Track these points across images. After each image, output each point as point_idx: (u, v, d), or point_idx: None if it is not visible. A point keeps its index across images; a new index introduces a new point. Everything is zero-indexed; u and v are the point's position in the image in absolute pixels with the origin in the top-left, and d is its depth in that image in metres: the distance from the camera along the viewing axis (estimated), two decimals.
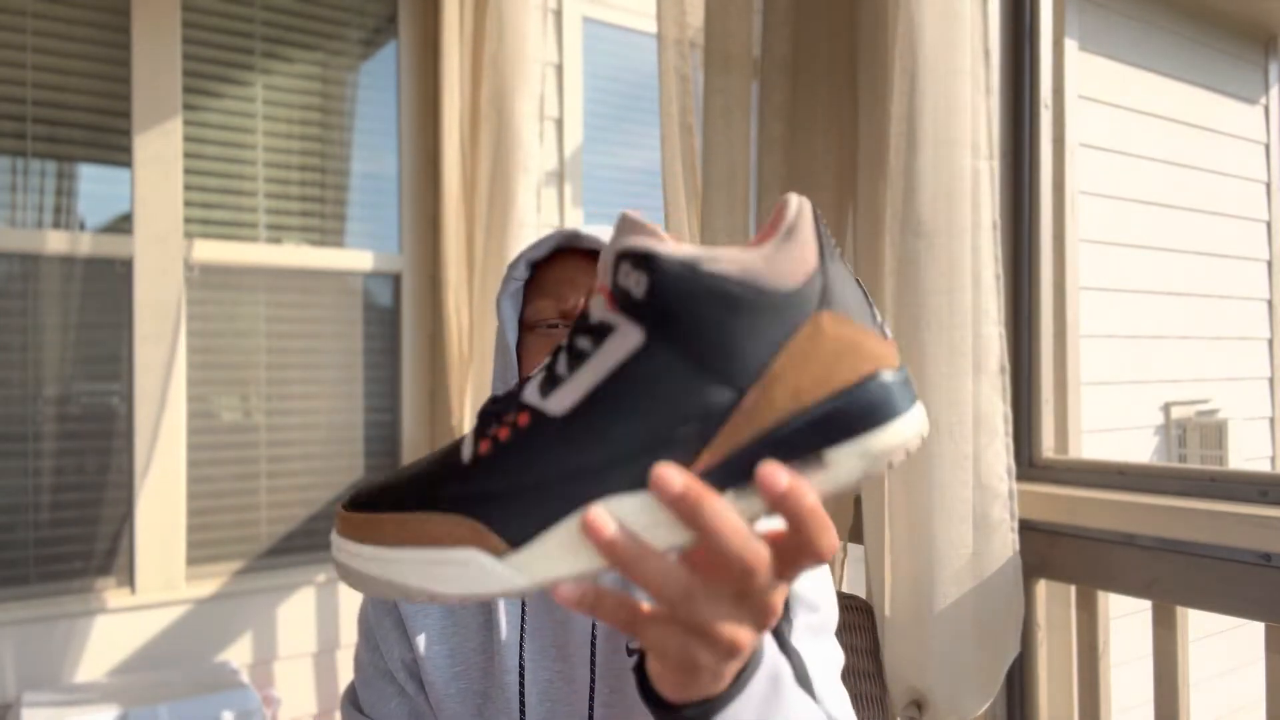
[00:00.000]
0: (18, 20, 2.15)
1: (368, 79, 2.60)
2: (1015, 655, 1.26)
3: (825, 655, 0.77)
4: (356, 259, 2.54)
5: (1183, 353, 3.74)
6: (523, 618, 0.80)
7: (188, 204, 2.33)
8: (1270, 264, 4.10)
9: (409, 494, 0.44)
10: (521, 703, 0.78)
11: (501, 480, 0.42)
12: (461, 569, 0.42)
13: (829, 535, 0.41)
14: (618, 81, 2.98)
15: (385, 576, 0.43)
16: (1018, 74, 1.50)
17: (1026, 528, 1.34)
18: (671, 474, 0.40)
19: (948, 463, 1.24)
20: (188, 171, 2.33)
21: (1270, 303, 4.10)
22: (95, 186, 2.25)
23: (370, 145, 2.60)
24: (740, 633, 0.44)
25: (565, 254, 0.81)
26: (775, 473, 0.40)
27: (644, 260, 0.42)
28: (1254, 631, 1.18)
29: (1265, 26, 4.03)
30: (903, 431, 0.42)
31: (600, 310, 0.44)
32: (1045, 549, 1.34)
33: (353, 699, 0.85)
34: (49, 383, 2.18)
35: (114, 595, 2.21)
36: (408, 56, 2.63)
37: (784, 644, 0.75)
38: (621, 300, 0.43)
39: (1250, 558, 1.11)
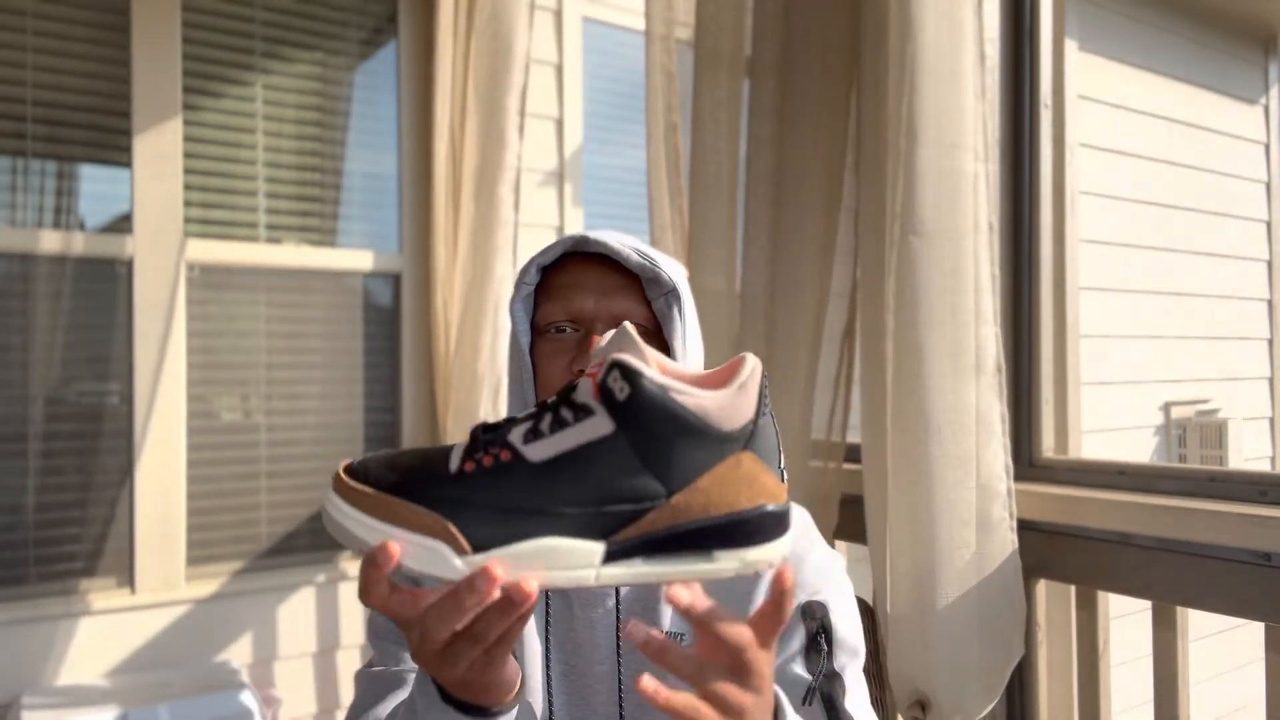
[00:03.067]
0: (18, 20, 2.15)
1: (367, 79, 2.60)
2: (1020, 656, 1.26)
3: (865, 698, 0.83)
4: (356, 259, 2.54)
5: (1183, 353, 3.74)
6: (547, 609, 0.82)
7: (187, 204, 2.33)
8: (1270, 264, 4.10)
9: (401, 482, 0.56)
10: (548, 685, 0.80)
11: (478, 496, 0.56)
12: (431, 553, 0.55)
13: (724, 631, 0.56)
14: (618, 81, 2.98)
15: (367, 539, 0.56)
16: (1018, 74, 1.50)
17: (1026, 528, 1.34)
18: (681, 593, 0.55)
19: (950, 463, 1.24)
20: (187, 171, 2.33)
21: (1270, 303, 4.10)
22: (95, 186, 2.25)
23: (370, 145, 2.60)
24: (742, 696, 0.57)
25: (573, 258, 0.83)
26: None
27: (631, 375, 0.55)
28: (1254, 631, 1.18)
29: (1265, 26, 4.03)
30: (772, 551, 0.57)
31: (586, 394, 0.57)
32: (1045, 549, 1.34)
33: (367, 664, 0.86)
34: (49, 383, 2.18)
35: (114, 595, 2.21)
36: (407, 56, 2.63)
37: (838, 712, 0.79)
38: (605, 396, 0.56)
39: (1250, 558, 1.10)
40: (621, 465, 0.55)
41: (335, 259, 2.52)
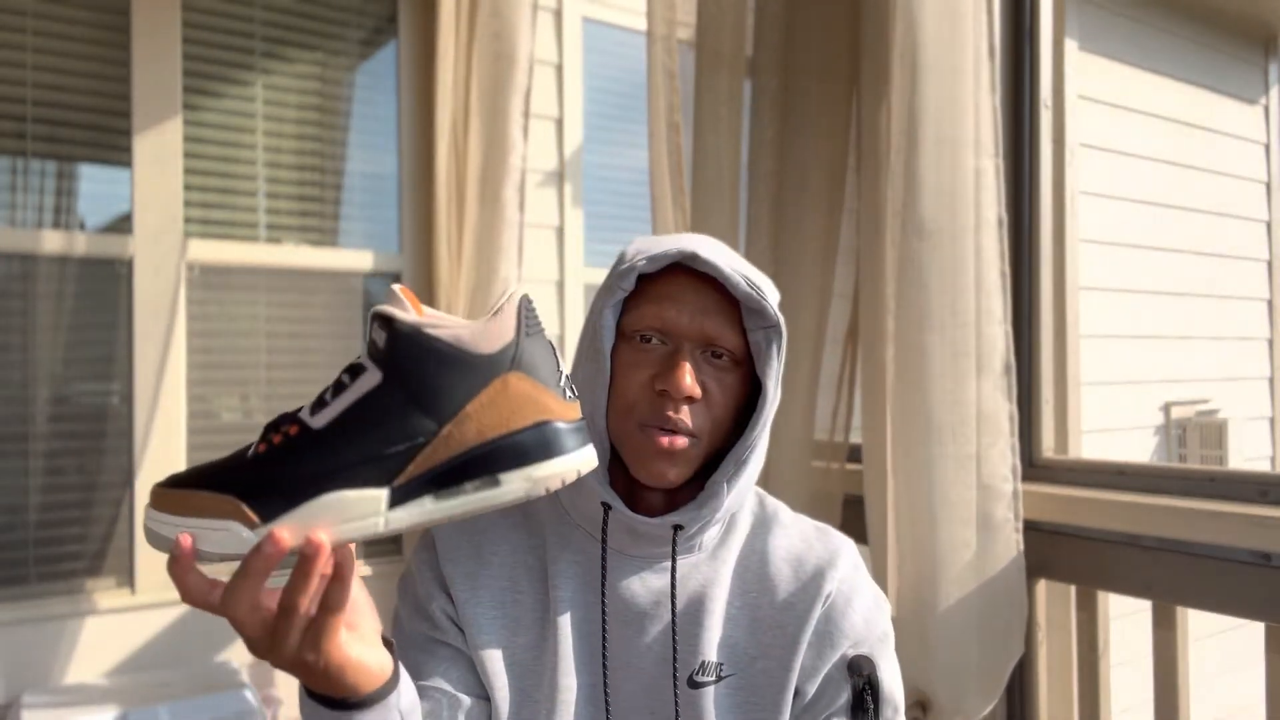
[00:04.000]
0: (18, 20, 2.14)
1: (367, 79, 2.60)
2: (1019, 656, 1.26)
3: None
4: (356, 259, 2.54)
5: (1183, 353, 3.74)
6: (604, 625, 0.80)
7: (187, 204, 2.33)
8: (1270, 264, 4.10)
9: (202, 478, 0.57)
10: (606, 702, 0.79)
11: (270, 472, 0.56)
12: (224, 534, 0.56)
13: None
14: (618, 81, 2.98)
15: (166, 535, 0.56)
16: (1018, 74, 1.50)
17: (1027, 528, 1.34)
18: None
19: (950, 463, 1.24)
20: (187, 171, 2.33)
21: (1270, 303, 4.10)
22: (95, 186, 2.25)
23: (370, 145, 2.60)
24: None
25: (676, 272, 0.79)
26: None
27: (386, 321, 0.57)
28: (1254, 631, 1.18)
29: (1265, 26, 4.02)
30: (560, 465, 0.56)
31: (362, 356, 0.59)
32: (1045, 549, 1.34)
33: None
34: (49, 383, 2.17)
35: (114, 595, 2.21)
36: (407, 56, 2.63)
37: None
38: (371, 349, 0.58)
39: (1250, 558, 1.11)
40: (393, 409, 0.56)
41: (335, 259, 2.52)
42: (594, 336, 0.80)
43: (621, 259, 0.81)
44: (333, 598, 0.56)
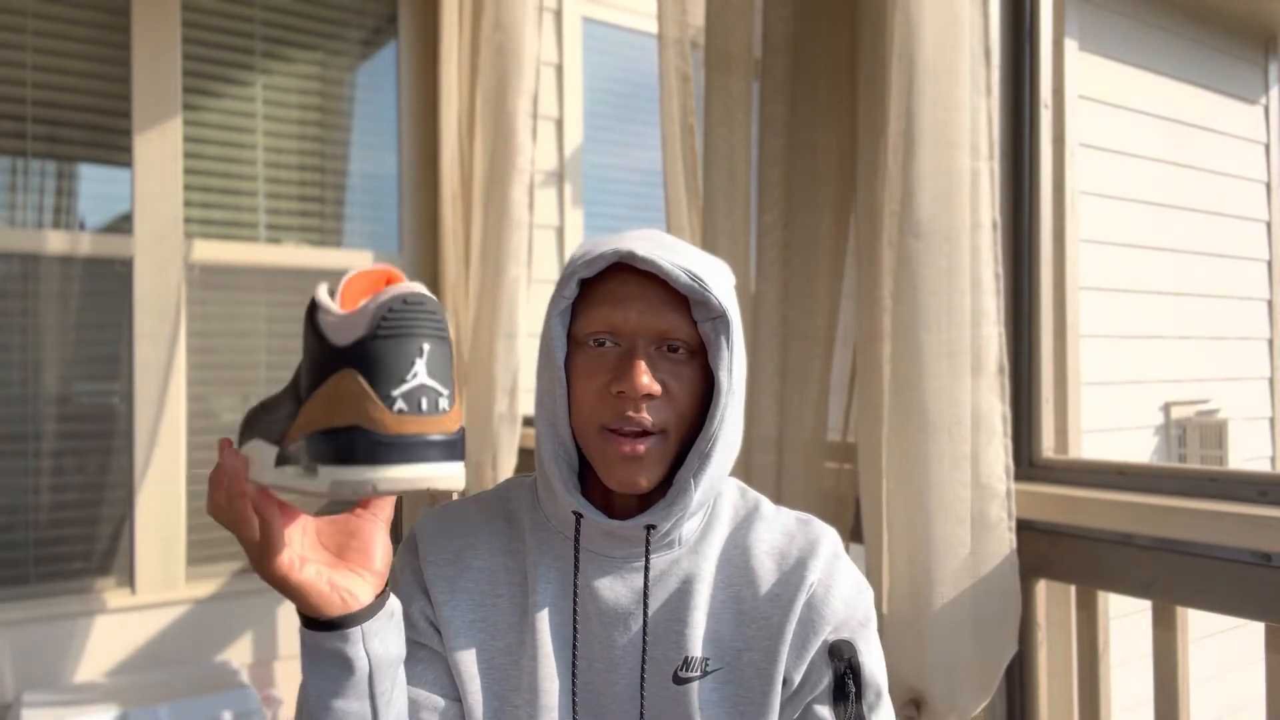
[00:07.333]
0: (18, 20, 2.15)
1: (368, 79, 2.60)
2: (1013, 654, 1.26)
3: None
4: (356, 259, 2.55)
5: (1183, 353, 3.74)
6: (575, 625, 0.80)
7: (188, 204, 2.33)
8: (1270, 264, 4.10)
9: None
10: (574, 695, 0.79)
11: (262, 407, 0.67)
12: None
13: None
14: (618, 81, 2.98)
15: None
16: (1018, 74, 1.50)
17: (1026, 528, 1.34)
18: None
19: (946, 462, 1.24)
20: (188, 171, 2.33)
21: (1270, 303, 4.10)
22: (95, 186, 2.25)
23: (370, 145, 2.60)
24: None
25: (619, 270, 0.78)
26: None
27: (312, 301, 0.62)
28: (1254, 631, 1.18)
29: (1265, 26, 4.03)
30: (364, 474, 0.56)
31: None
32: (1045, 549, 1.34)
33: None
34: (49, 383, 2.18)
35: (114, 595, 2.21)
36: (408, 56, 2.63)
37: None
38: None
39: (1250, 558, 1.11)
40: (295, 380, 0.62)
41: (335, 259, 2.52)
42: (547, 347, 0.79)
43: (569, 264, 0.80)
44: (263, 532, 0.63)
